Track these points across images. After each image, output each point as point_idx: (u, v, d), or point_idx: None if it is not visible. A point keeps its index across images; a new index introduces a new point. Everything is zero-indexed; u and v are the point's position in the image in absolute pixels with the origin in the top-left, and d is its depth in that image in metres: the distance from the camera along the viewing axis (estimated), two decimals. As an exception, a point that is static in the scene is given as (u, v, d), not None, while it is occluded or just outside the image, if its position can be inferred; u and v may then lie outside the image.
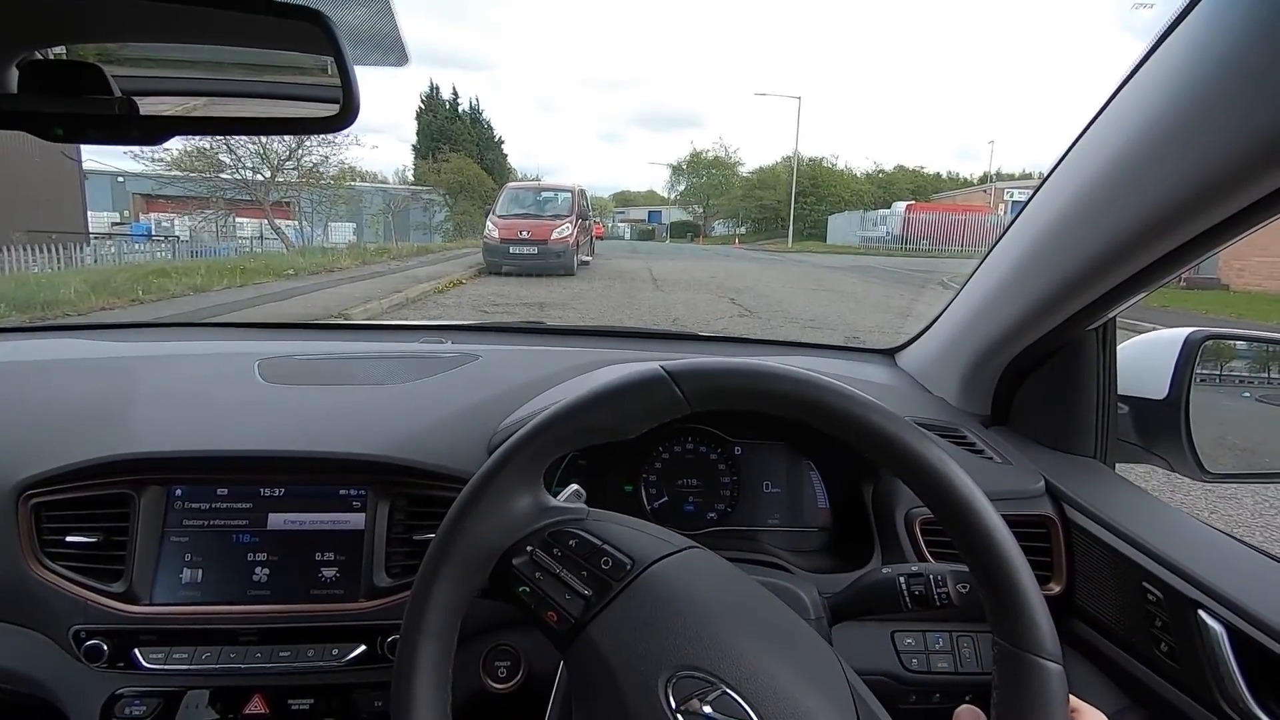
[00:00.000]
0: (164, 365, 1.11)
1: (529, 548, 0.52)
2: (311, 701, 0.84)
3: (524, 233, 13.04)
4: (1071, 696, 0.48)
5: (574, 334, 1.53)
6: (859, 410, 0.50)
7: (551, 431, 0.51)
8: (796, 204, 39.89)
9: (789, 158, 46.19)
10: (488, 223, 13.85)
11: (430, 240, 26.25)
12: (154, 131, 0.65)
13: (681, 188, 53.81)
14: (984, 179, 46.20)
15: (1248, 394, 1.05)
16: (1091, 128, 0.72)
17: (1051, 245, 0.81)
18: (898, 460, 0.50)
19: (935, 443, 0.50)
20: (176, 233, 20.65)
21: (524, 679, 0.84)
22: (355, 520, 0.86)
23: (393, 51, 0.71)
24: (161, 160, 16.84)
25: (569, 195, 14.86)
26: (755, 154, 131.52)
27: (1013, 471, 0.92)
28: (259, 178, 18.05)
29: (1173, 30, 0.58)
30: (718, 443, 1.02)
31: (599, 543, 0.52)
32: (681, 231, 51.55)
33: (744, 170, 51.21)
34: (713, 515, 1.00)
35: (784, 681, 0.49)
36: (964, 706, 0.53)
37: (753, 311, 8.84)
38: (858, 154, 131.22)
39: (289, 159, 18.04)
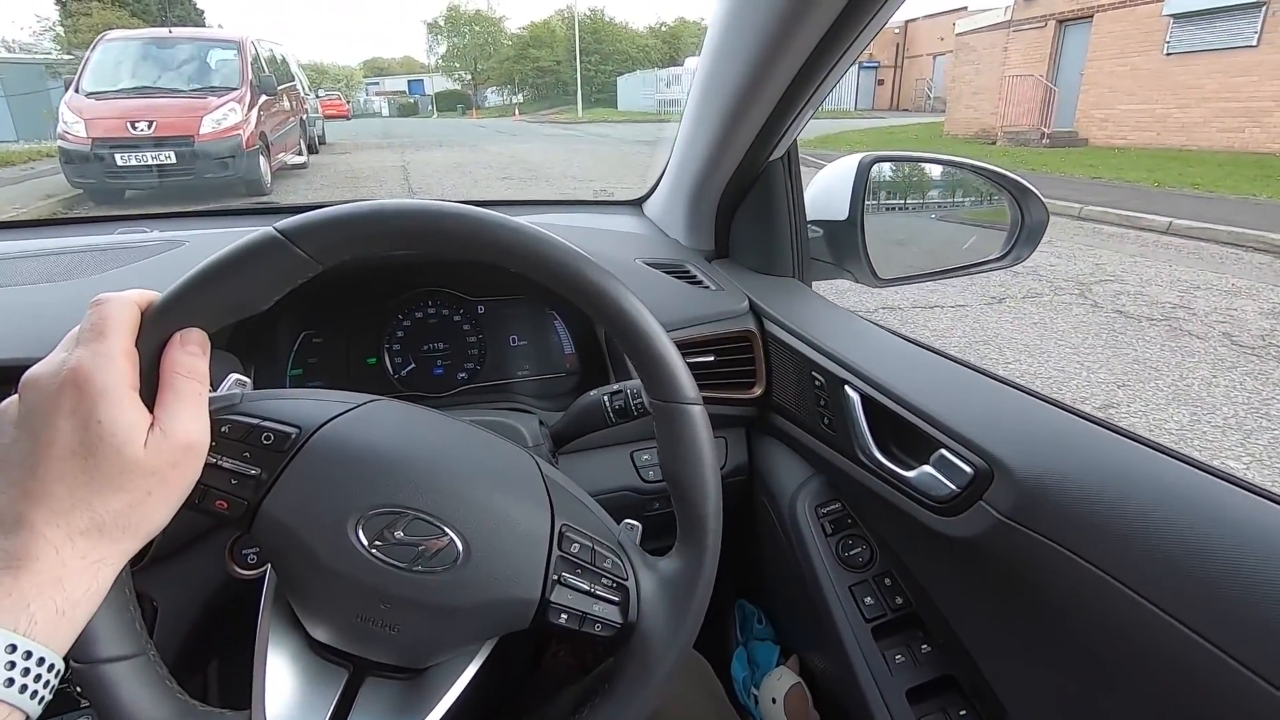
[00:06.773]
0: None
1: None
2: None
3: (141, 124, 6.91)
4: None
5: (302, 210, 1.13)
6: (474, 225, 0.49)
7: (162, 322, 0.45)
8: (580, 64, 34.77)
9: (562, 11, 40.22)
10: (63, 108, 7.12)
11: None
12: None
13: (442, 50, 45.89)
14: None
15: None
16: None
17: (713, 86, 0.93)
18: (522, 264, 0.50)
19: (555, 241, 0.50)
20: None
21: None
22: None
23: None
24: None
25: (232, 53, 8.07)
26: (523, 7, 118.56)
27: (723, 296, 1.06)
28: None
29: None
30: (460, 303, 1.04)
31: (255, 421, 0.50)
32: (450, 104, 45.00)
33: (512, 26, 44.29)
34: (463, 375, 1.04)
35: (476, 491, 0.51)
36: None
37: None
38: (634, 6, 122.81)
39: None
